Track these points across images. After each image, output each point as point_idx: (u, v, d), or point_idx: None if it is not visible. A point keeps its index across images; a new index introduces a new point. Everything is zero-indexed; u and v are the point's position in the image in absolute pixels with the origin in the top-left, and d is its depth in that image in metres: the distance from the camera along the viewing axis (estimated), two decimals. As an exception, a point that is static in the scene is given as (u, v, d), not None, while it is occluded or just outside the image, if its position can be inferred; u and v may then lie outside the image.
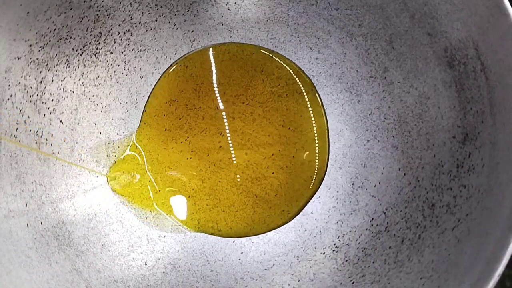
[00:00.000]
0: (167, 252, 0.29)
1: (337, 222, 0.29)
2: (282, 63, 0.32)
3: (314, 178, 0.31)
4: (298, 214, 0.31)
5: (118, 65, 0.30)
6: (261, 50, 0.32)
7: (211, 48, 0.32)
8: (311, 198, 0.31)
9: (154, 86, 0.31)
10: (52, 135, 0.26)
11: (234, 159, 0.31)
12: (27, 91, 0.24)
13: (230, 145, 0.31)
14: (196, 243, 0.30)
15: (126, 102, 0.31)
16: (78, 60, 0.27)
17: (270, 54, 0.32)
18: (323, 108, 0.32)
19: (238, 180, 0.31)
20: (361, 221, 0.28)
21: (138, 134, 0.31)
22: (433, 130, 0.26)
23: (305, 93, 0.32)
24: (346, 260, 0.27)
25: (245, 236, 0.30)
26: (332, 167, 0.31)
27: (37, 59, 0.25)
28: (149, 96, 0.31)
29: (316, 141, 0.31)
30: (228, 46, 0.32)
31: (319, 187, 0.31)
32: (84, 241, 0.26)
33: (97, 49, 0.28)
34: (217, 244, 0.30)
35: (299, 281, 0.28)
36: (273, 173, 0.31)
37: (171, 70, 0.32)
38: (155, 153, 0.31)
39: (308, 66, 0.32)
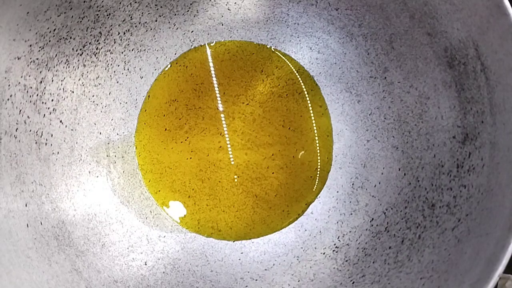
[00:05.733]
0: (167, 252, 0.29)
1: (337, 222, 0.29)
2: (285, 58, 0.32)
3: (317, 181, 0.31)
4: (302, 215, 0.31)
5: (118, 65, 0.30)
6: (265, 46, 0.32)
7: (209, 48, 0.32)
8: (313, 201, 0.31)
9: (152, 86, 0.31)
10: (52, 135, 0.26)
11: (234, 159, 0.31)
12: (27, 91, 0.24)
13: (230, 145, 0.31)
14: (196, 243, 0.30)
15: (126, 102, 0.31)
16: (78, 60, 0.27)
17: (274, 50, 0.32)
18: (326, 108, 0.32)
19: (238, 180, 0.31)
20: (361, 221, 0.28)
21: (138, 134, 0.31)
22: (433, 130, 0.26)
23: (305, 93, 0.32)
24: (346, 260, 0.27)
25: (245, 237, 0.30)
26: (332, 167, 0.31)
27: (37, 59, 0.25)
28: (148, 96, 0.31)
29: (317, 141, 0.31)
30: (228, 46, 0.32)
31: (322, 189, 0.31)
32: (84, 241, 0.26)
33: (97, 49, 0.28)
34: (217, 244, 0.30)
35: (299, 281, 0.28)
36: (273, 173, 0.31)
37: (171, 70, 0.32)
38: (155, 153, 0.31)
39: (308, 66, 0.32)
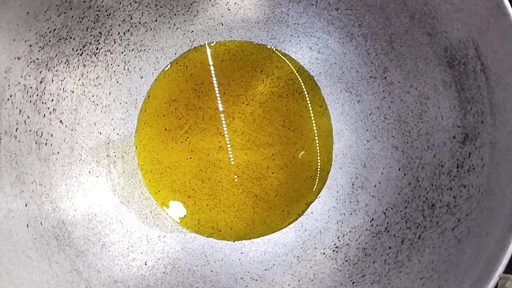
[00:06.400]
0: (167, 252, 0.29)
1: (337, 222, 0.29)
2: (285, 58, 0.32)
3: (317, 181, 0.31)
4: (302, 215, 0.31)
5: (118, 65, 0.30)
6: (265, 46, 0.32)
7: (209, 48, 0.32)
8: (313, 201, 0.31)
9: (152, 86, 0.31)
10: (52, 135, 0.26)
11: (234, 159, 0.31)
12: (27, 91, 0.24)
13: (230, 145, 0.31)
14: (196, 243, 0.30)
15: (126, 102, 0.31)
16: (78, 60, 0.27)
17: (274, 50, 0.32)
18: (326, 108, 0.32)
19: (238, 180, 0.31)
20: (361, 221, 0.28)
21: (138, 134, 0.31)
22: (433, 130, 0.26)
23: (305, 93, 0.32)
24: (346, 260, 0.27)
25: (245, 237, 0.30)
26: (332, 167, 0.31)
27: (37, 59, 0.25)
28: (148, 96, 0.31)
29: (317, 141, 0.31)
30: (228, 46, 0.32)
31: (322, 189, 0.31)
32: (84, 241, 0.26)
33: (97, 49, 0.28)
34: (217, 244, 0.30)
35: (299, 281, 0.28)
36: (273, 173, 0.31)
37: (171, 70, 0.32)
38: (155, 153, 0.31)
39: (308, 66, 0.32)
